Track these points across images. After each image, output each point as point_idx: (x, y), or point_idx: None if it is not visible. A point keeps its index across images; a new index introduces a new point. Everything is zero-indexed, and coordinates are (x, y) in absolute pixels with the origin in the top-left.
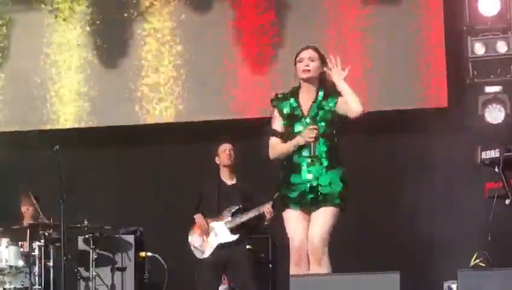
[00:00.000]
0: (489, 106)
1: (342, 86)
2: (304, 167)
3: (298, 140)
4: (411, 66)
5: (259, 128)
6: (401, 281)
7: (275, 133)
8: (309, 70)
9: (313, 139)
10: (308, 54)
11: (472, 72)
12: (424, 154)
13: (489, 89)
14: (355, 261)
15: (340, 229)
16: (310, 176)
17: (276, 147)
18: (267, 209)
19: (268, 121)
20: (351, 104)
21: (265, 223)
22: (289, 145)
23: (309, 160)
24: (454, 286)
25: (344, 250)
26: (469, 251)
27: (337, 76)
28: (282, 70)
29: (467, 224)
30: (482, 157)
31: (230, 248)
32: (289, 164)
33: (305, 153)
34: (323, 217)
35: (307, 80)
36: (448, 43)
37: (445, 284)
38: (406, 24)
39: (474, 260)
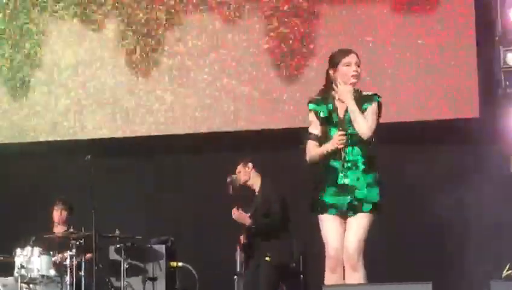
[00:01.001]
0: None
1: (350, 105)
2: (340, 171)
3: (327, 146)
4: (443, 76)
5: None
6: None
7: (311, 137)
8: (358, 76)
9: (342, 145)
10: (355, 58)
11: (504, 82)
12: (456, 164)
13: None
14: (386, 271)
15: (372, 238)
16: (346, 180)
17: (312, 151)
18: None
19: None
20: (358, 126)
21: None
22: (322, 150)
23: (346, 164)
24: None
25: (376, 259)
26: (501, 262)
27: (344, 95)
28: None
29: (499, 235)
30: None
31: None
32: (325, 168)
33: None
34: (359, 224)
35: (353, 85)
36: (480, 53)
37: None
38: (437, 33)
39: (507, 270)
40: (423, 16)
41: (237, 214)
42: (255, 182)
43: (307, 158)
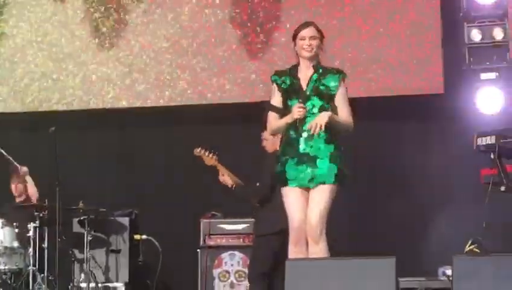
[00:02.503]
0: (485, 93)
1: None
2: (301, 142)
3: (287, 118)
4: (408, 52)
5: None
6: (397, 265)
7: (272, 108)
8: (312, 49)
9: (301, 116)
10: (310, 32)
11: (468, 58)
12: (420, 140)
13: (485, 76)
14: (351, 245)
15: (337, 210)
16: (307, 150)
17: (272, 122)
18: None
19: None
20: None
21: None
22: (281, 122)
23: (306, 133)
24: (448, 271)
25: (340, 233)
26: (464, 238)
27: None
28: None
29: (462, 210)
30: (478, 143)
31: None
32: (286, 138)
33: (304, 126)
34: (322, 196)
35: (308, 58)
36: (445, 29)
37: (440, 269)
38: (404, 10)
39: (469, 246)
40: None
41: (222, 178)
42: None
43: (268, 130)
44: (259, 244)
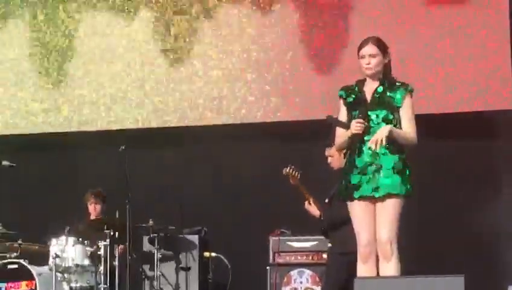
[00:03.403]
0: None
1: (395, 135)
2: (366, 151)
3: (347, 133)
4: (476, 67)
5: None
6: (466, 284)
7: (338, 124)
8: (372, 68)
9: (358, 131)
10: (369, 50)
11: None
12: (490, 156)
13: None
14: (419, 263)
15: (404, 228)
16: (371, 160)
17: (337, 138)
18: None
19: None
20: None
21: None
22: (343, 137)
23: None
24: None
25: (408, 250)
26: None
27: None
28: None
29: None
30: None
31: None
32: (350, 151)
33: (366, 137)
34: (389, 210)
35: (370, 76)
36: None
37: (510, 288)
38: (470, 24)
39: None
40: (455, 8)
41: (308, 207)
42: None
43: (335, 146)
44: (345, 261)
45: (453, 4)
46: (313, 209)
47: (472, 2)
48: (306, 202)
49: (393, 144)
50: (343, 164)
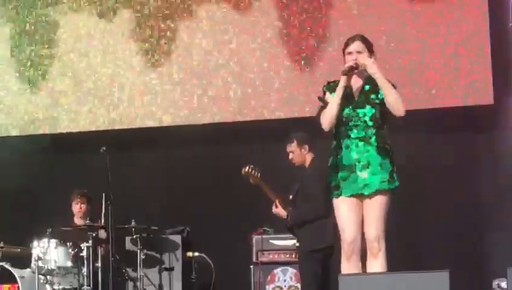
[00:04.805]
0: None
1: (379, 80)
2: (353, 148)
3: (337, 91)
4: (456, 63)
5: None
6: (451, 279)
7: (324, 103)
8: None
9: (352, 64)
10: (356, 46)
11: None
12: (471, 152)
13: None
14: (403, 259)
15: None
16: (358, 156)
17: (326, 112)
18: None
19: None
20: (391, 98)
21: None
22: (335, 98)
23: (358, 141)
24: (503, 284)
25: (394, 247)
26: None
27: (371, 69)
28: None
29: None
30: None
31: None
32: (337, 146)
33: (353, 134)
34: (377, 208)
35: (356, 73)
36: (494, 40)
37: (495, 282)
38: (451, 21)
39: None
40: (438, 5)
41: (276, 210)
42: (306, 162)
43: (323, 125)
44: (313, 258)
45: (435, 1)
46: (280, 211)
47: None
48: (273, 206)
49: (381, 141)
50: (306, 161)
